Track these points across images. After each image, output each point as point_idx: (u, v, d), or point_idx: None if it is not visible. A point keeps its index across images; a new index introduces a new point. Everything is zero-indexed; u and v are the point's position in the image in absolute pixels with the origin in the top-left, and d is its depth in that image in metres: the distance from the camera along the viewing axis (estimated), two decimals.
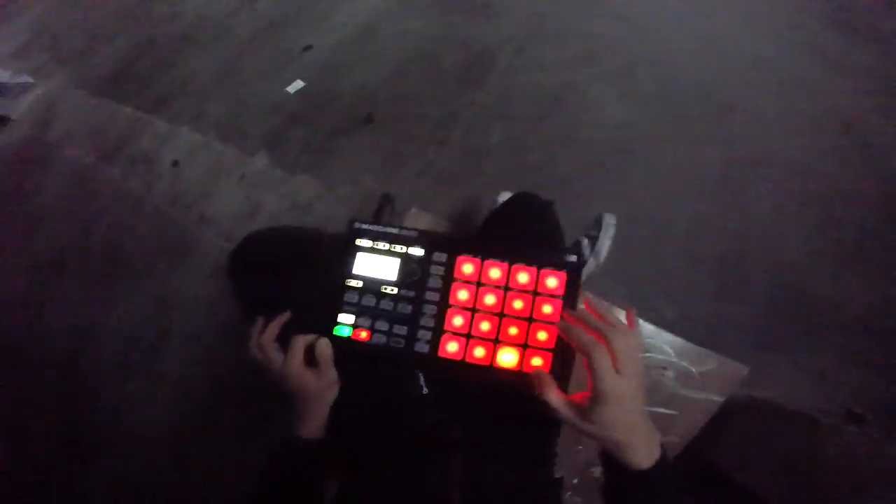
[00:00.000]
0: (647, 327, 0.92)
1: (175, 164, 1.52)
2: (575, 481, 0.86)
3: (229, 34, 1.76)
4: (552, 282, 0.50)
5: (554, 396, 0.44)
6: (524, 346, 0.51)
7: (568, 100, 1.45)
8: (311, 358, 0.53)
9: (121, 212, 1.51)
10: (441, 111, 1.48)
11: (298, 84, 1.56)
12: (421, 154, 1.41)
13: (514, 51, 1.55)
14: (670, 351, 0.92)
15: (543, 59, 1.53)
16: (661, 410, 0.88)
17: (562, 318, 0.49)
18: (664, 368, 0.88)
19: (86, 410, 1.29)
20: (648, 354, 0.92)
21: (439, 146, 1.42)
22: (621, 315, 0.49)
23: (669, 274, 1.21)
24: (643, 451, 0.41)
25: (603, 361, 0.41)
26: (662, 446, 0.43)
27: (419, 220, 1.07)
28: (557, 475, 0.59)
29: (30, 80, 1.88)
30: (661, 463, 0.42)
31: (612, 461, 0.43)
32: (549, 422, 0.58)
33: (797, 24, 1.50)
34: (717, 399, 0.88)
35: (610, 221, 0.95)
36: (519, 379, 0.49)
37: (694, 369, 0.88)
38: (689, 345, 0.88)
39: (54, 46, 2.02)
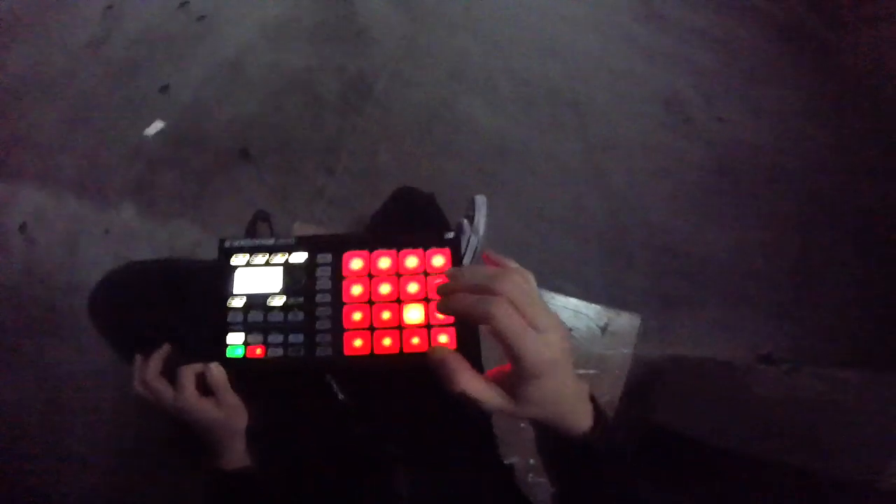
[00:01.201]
0: (546, 295, 1.00)
1: (22, 227, 1.30)
2: (531, 461, 0.87)
3: (72, 82, 1.57)
4: (439, 260, 0.52)
5: (470, 384, 0.32)
6: (427, 327, 0.52)
7: (444, 114, 1.55)
8: (206, 388, 0.49)
9: None
10: (323, 139, 1.47)
11: (158, 125, 1.43)
12: (309, 182, 1.39)
13: (389, 74, 1.61)
14: (570, 314, 1.00)
15: (416, 78, 1.61)
16: (581, 372, 0.95)
17: (439, 298, 0.35)
18: (570, 329, 0.95)
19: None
20: None
21: (327, 173, 1.41)
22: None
23: (560, 253, 1.33)
24: (576, 416, 0.36)
25: (510, 321, 0.29)
26: (594, 399, 0.39)
27: (305, 231, 1.05)
28: (508, 461, 0.60)
29: None
30: (598, 421, 0.37)
31: (546, 436, 0.40)
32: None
33: (613, 21, 1.79)
34: (626, 351, 0.97)
35: (481, 200, 1.06)
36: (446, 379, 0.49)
37: (595, 325, 0.97)
38: (584, 303, 0.96)
39: None
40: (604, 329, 0.99)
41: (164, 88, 1.51)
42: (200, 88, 1.53)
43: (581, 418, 0.36)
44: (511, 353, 0.30)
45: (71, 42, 1.65)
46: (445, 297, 0.33)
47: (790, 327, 1.32)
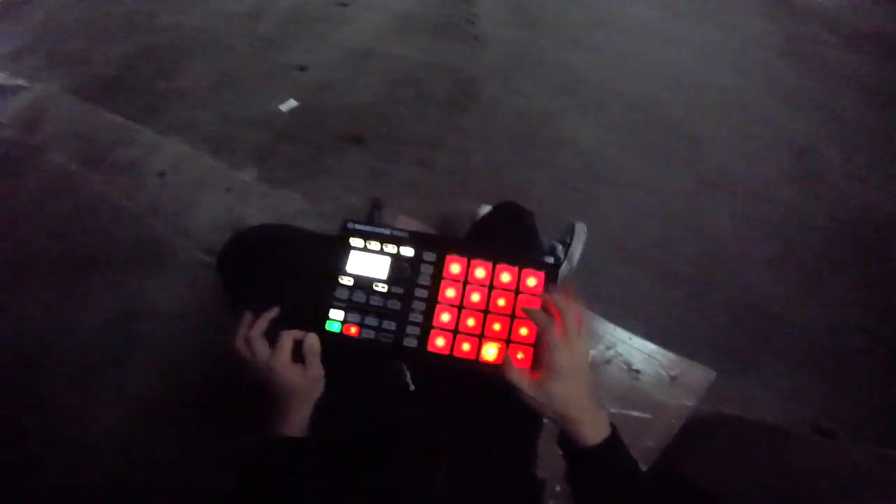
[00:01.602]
0: (621, 332, 0.97)
1: (161, 174, 1.52)
2: (557, 488, 0.87)
3: (228, 49, 1.79)
4: (532, 281, 0.55)
5: (514, 374, 0.48)
6: (507, 342, 0.54)
7: (546, 127, 1.54)
8: (298, 354, 0.53)
9: (98, 218, 1.49)
10: (426, 134, 1.54)
11: (292, 103, 1.61)
12: (406, 174, 1.46)
13: (499, 80, 1.64)
14: (643, 356, 0.97)
15: (525, 88, 1.62)
16: (638, 414, 0.92)
17: (524, 316, 0.53)
18: (637, 372, 0.93)
19: (39, 408, 1.22)
20: (619, 357, 0.96)
21: (424, 168, 1.47)
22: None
23: (639, 291, 1.27)
24: (591, 428, 0.45)
25: (554, 336, 0.47)
26: (613, 426, 0.47)
27: (408, 224, 1.11)
28: (541, 476, 0.60)
29: (23, 83, 1.86)
30: (612, 440, 0.46)
31: (566, 442, 0.47)
32: (529, 420, 0.61)
33: (754, 55, 1.65)
34: (689, 403, 0.93)
35: (581, 228, 1.04)
36: (501, 372, 0.52)
37: (665, 373, 0.93)
38: (661, 350, 0.93)
39: (53, 50, 1.99)
40: (673, 378, 0.95)
41: (303, 69, 1.68)
42: (332, 71, 1.67)
43: (592, 434, 0.45)
44: (546, 353, 0.47)
45: (232, 11, 1.88)
46: (529, 308, 0.52)
47: (866, 411, 1.15)
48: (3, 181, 1.62)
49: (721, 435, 1.07)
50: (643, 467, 0.83)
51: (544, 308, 0.51)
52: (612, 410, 0.94)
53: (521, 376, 0.48)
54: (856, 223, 1.37)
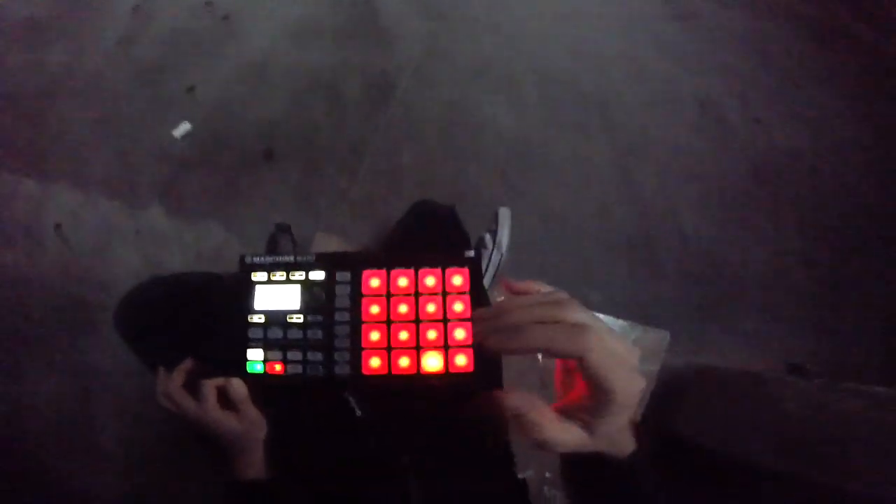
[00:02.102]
0: None
1: (58, 226, 1.35)
2: (548, 475, 0.86)
3: (102, 82, 1.61)
4: (458, 279, 0.51)
5: (554, 432, 0.31)
6: (445, 348, 0.51)
7: (466, 116, 1.52)
8: (227, 400, 0.50)
9: (7, 291, 1.31)
10: (346, 139, 1.47)
11: (185, 126, 1.47)
12: (331, 184, 1.40)
13: (411, 73, 1.60)
14: None
15: (438, 77, 1.59)
16: None
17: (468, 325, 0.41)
18: None
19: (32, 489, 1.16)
20: None
21: (350, 174, 1.41)
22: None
23: (585, 261, 1.30)
24: (628, 437, 0.35)
25: (604, 354, 0.29)
26: (633, 424, 0.37)
27: (328, 242, 1.05)
28: (524, 474, 0.60)
29: None
30: (640, 441, 0.36)
31: (579, 467, 0.38)
32: (495, 424, 0.58)
33: (641, 23, 1.73)
34: (653, 367, 0.95)
35: (505, 213, 1.04)
36: (447, 381, 0.49)
37: None
38: (610, 318, 0.94)
39: None
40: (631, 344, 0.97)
41: (191, 89, 1.54)
42: (226, 89, 1.55)
43: (627, 443, 0.35)
44: (601, 386, 0.29)
45: (102, 42, 1.70)
46: (515, 333, 0.30)
47: (826, 342, 1.25)
48: None
49: (697, 389, 1.11)
50: None
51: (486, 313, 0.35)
52: None
53: (561, 430, 0.32)
54: (765, 161, 1.47)
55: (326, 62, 1.61)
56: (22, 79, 1.67)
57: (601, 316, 0.97)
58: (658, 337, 0.96)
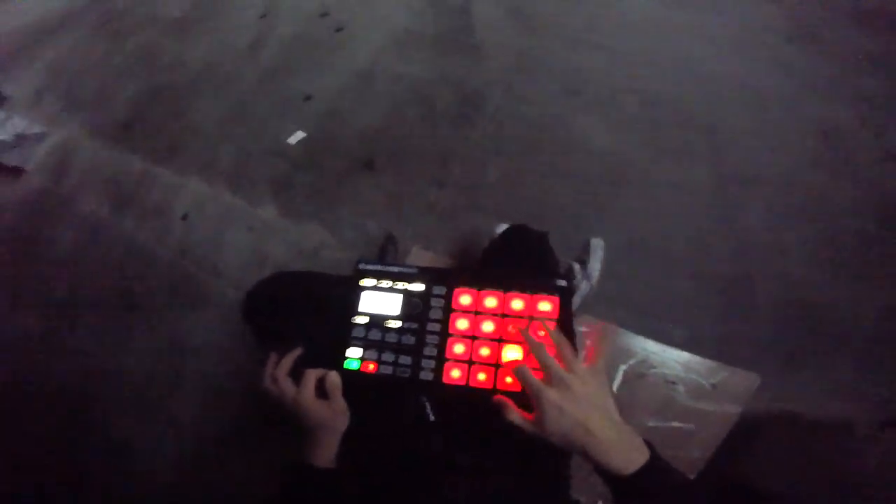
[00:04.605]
0: (652, 345, 0.94)
1: (185, 217, 1.59)
2: (599, 503, 0.85)
3: (234, 82, 1.86)
4: (545, 306, 0.54)
5: (514, 416, 0.48)
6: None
7: (557, 132, 1.51)
8: (322, 390, 0.56)
9: (133, 262, 1.57)
10: (438, 152, 1.54)
11: (300, 135, 1.64)
12: (422, 194, 1.46)
13: (504, 88, 1.63)
14: (679, 367, 0.93)
15: (531, 94, 1.60)
16: (677, 425, 0.89)
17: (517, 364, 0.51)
18: (673, 384, 0.89)
19: (96, 447, 1.33)
20: (653, 370, 0.93)
21: (438, 186, 1.47)
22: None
23: (674, 295, 1.21)
24: (620, 457, 0.43)
25: (531, 378, 0.48)
26: (655, 456, 0.44)
27: (422, 258, 1.12)
28: (575, 498, 0.60)
29: (44, 129, 1.92)
30: (649, 466, 0.43)
31: (601, 471, 0.45)
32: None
33: (760, 42, 1.58)
34: (734, 410, 0.89)
35: (597, 244, 1.00)
36: (521, 401, 0.51)
37: (705, 382, 0.89)
38: (697, 358, 0.90)
39: (69, 92, 2.08)
40: (714, 386, 0.91)
41: (308, 98, 1.73)
42: (337, 97, 1.71)
43: (621, 463, 0.43)
44: (533, 396, 0.47)
45: (233, 43, 1.95)
46: (520, 369, 0.49)
47: None
48: (44, 231, 1.72)
49: (778, 435, 1.02)
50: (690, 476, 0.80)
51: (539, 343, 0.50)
52: (651, 424, 0.90)
53: (519, 416, 0.48)
54: (894, 203, 1.28)
55: (425, 74, 1.69)
56: (171, 75, 1.98)
57: (684, 354, 0.92)
58: (747, 379, 0.89)
